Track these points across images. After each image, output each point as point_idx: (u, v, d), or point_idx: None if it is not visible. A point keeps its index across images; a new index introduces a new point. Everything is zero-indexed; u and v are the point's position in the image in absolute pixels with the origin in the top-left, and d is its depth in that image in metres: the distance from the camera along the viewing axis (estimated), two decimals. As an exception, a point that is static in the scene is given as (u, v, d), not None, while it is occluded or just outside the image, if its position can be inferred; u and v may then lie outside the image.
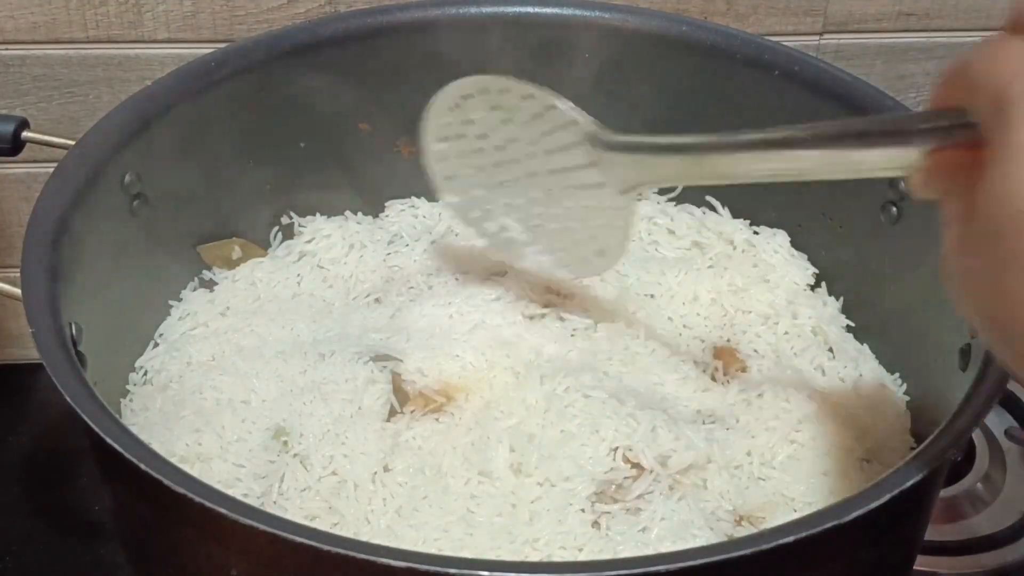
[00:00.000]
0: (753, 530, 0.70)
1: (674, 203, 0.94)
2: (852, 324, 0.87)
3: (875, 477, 0.67)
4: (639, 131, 0.72)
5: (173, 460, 0.64)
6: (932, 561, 0.91)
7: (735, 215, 0.92)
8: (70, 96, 0.98)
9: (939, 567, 0.91)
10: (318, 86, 0.89)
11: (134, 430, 0.69)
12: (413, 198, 0.95)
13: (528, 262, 0.81)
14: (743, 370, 0.82)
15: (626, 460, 0.72)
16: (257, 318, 0.84)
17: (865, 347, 0.85)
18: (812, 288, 0.89)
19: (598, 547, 0.67)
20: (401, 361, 0.78)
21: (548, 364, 0.78)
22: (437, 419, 0.75)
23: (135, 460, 0.58)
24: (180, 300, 0.86)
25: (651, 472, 0.71)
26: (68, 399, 0.61)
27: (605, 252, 0.77)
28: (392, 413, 0.75)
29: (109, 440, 0.59)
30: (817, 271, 0.89)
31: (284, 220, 0.92)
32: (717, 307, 0.86)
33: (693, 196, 0.94)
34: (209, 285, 0.88)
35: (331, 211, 0.93)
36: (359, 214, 0.94)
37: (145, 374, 0.81)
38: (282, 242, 0.92)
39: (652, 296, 0.86)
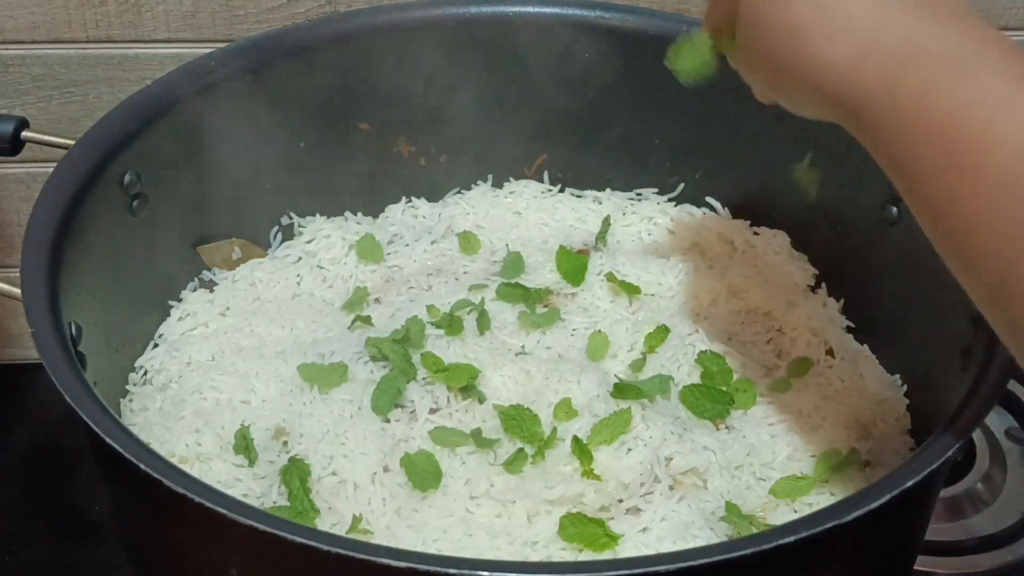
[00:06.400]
0: (753, 530, 0.70)
1: (674, 203, 0.94)
2: (852, 324, 0.87)
3: (875, 478, 0.67)
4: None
5: (173, 460, 0.64)
6: (932, 561, 0.91)
7: (735, 215, 0.92)
8: (70, 96, 0.98)
9: (939, 567, 0.91)
10: (318, 86, 0.89)
11: (134, 430, 0.70)
12: (413, 198, 0.95)
13: None
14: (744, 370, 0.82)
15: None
16: (257, 318, 0.84)
17: (865, 347, 0.85)
18: (812, 289, 0.89)
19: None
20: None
21: (547, 364, 0.78)
22: (437, 419, 0.75)
23: (135, 460, 0.58)
24: (180, 300, 0.86)
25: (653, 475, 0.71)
26: (68, 399, 0.61)
27: None
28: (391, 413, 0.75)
29: (109, 440, 0.59)
30: (817, 272, 0.89)
31: (284, 220, 0.92)
32: (717, 307, 0.86)
33: (693, 196, 0.94)
34: (209, 285, 0.88)
35: (331, 211, 0.93)
36: (359, 214, 0.94)
37: (145, 374, 0.81)
38: (282, 242, 0.92)
39: (652, 296, 0.86)
